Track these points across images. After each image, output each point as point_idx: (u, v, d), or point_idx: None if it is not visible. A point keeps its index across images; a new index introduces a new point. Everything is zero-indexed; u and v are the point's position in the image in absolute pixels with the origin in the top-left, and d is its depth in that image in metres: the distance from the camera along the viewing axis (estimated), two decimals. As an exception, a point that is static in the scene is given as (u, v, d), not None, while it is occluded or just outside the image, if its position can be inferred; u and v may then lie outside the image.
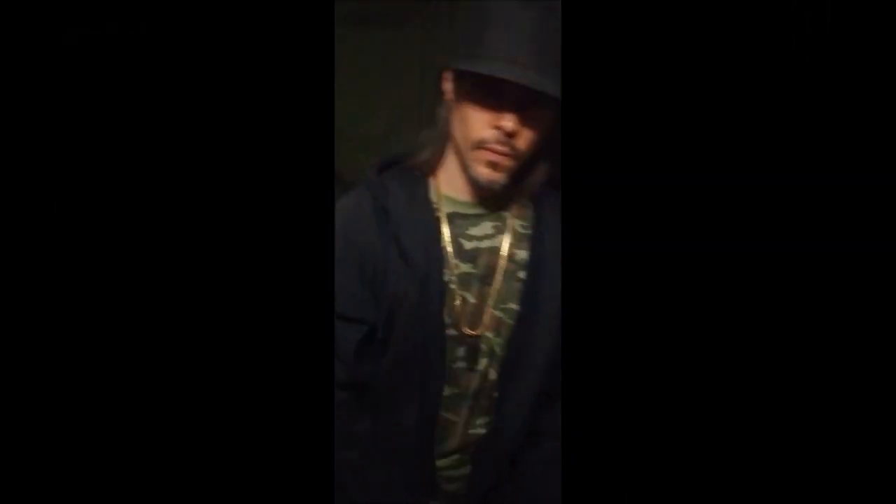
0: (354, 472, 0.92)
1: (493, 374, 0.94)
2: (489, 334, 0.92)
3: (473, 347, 0.92)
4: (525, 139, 0.86)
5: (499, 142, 0.85)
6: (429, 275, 0.90)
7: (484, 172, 0.88)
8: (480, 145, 0.87)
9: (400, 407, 0.92)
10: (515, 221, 0.94)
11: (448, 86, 0.90)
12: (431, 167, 0.94)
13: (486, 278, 0.92)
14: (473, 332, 0.91)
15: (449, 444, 0.95)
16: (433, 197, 0.93)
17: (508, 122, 0.83)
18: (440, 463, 0.95)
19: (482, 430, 0.95)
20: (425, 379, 0.91)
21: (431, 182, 0.94)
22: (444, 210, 0.93)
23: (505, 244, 0.93)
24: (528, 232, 0.94)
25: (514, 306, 0.92)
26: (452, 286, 0.91)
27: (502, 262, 0.92)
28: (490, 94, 0.84)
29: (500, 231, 0.94)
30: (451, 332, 0.91)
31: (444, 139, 0.92)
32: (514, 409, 0.93)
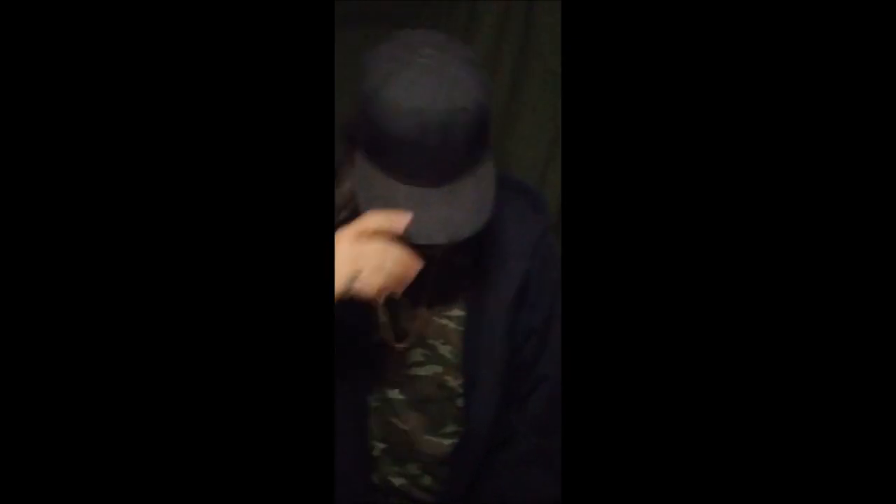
0: None
1: (451, 382, 0.90)
2: (434, 342, 0.90)
3: (423, 353, 0.90)
4: None
5: None
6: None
7: None
8: None
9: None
10: None
11: None
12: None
13: (421, 283, 0.85)
14: (401, 345, 0.88)
15: (399, 453, 0.92)
16: None
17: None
18: (396, 480, 0.93)
19: (445, 441, 0.91)
20: (358, 381, 0.89)
21: None
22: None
23: None
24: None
25: (459, 312, 0.90)
26: None
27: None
28: None
29: None
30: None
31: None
32: (480, 416, 0.90)
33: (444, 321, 0.90)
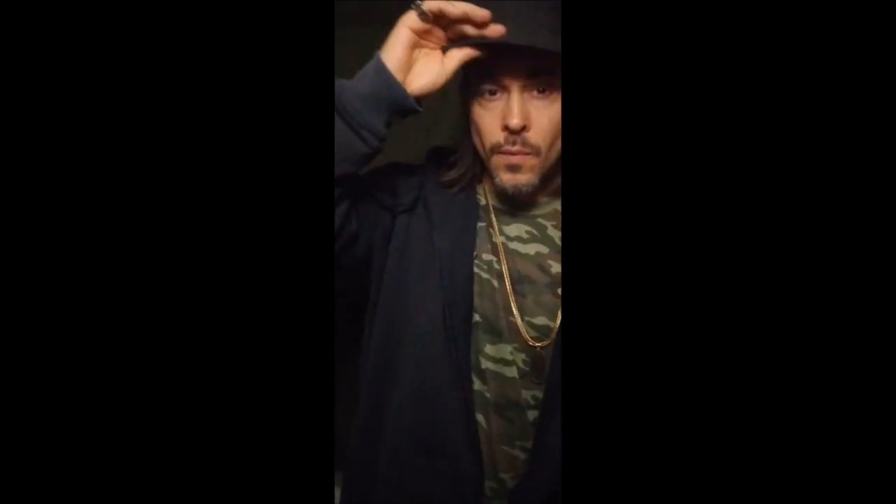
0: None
1: (525, 394, 0.88)
2: (509, 346, 0.89)
3: (502, 349, 0.89)
4: (538, 132, 0.84)
5: (511, 142, 0.84)
6: (455, 257, 0.88)
7: (506, 178, 0.86)
8: (495, 150, 0.85)
9: (432, 398, 0.88)
10: (557, 233, 0.90)
11: (461, 94, 0.90)
12: (470, 181, 0.93)
13: (513, 282, 0.89)
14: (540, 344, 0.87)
15: (483, 460, 0.88)
16: (480, 196, 0.93)
17: (513, 118, 0.82)
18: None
19: (519, 454, 0.88)
20: (454, 369, 0.87)
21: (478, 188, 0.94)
22: (487, 201, 0.93)
23: (532, 251, 0.90)
24: None
25: (543, 321, 0.89)
26: (484, 275, 0.89)
27: (533, 271, 0.89)
28: (490, 90, 0.84)
29: (535, 238, 0.91)
30: (477, 319, 0.88)
31: (471, 152, 0.91)
32: (553, 445, 0.85)
33: (525, 327, 0.89)
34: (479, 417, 0.88)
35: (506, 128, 0.83)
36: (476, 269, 0.89)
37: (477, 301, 0.88)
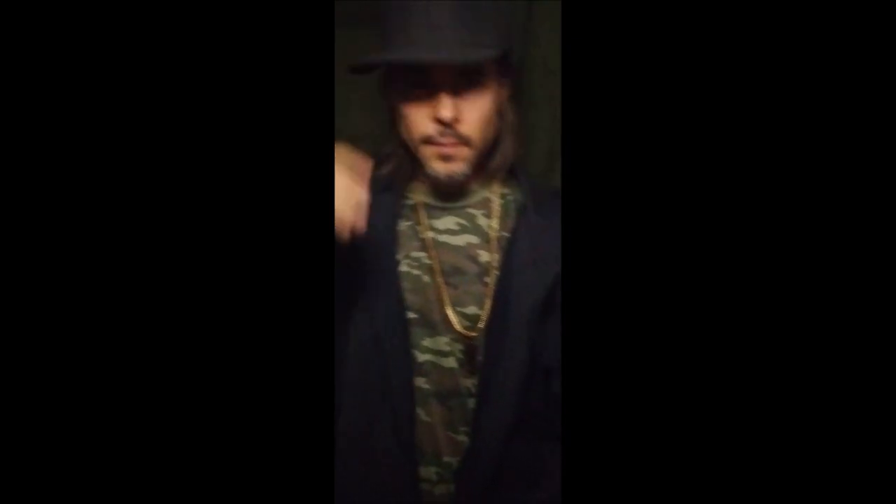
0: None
1: (465, 382, 0.89)
2: (445, 338, 0.89)
3: (438, 341, 0.90)
4: (470, 124, 0.85)
5: (442, 134, 0.84)
6: (381, 252, 0.88)
7: (438, 167, 0.87)
8: (426, 141, 0.86)
9: (370, 397, 0.89)
10: (486, 221, 0.91)
11: (384, 89, 0.90)
12: (404, 175, 0.92)
13: (445, 275, 0.90)
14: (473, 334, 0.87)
15: (425, 448, 0.89)
16: (408, 190, 0.93)
17: (444, 110, 0.83)
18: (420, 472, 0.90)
19: (464, 438, 0.89)
20: (390, 366, 0.88)
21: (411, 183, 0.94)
22: (415, 199, 0.93)
23: (463, 242, 0.91)
24: (500, 234, 0.91)
25: (473, 310, 0.89)
26: (415, 272, 0.89)
27: (464, 262, 0.90)
28: (418, 85, 0.83)
29: (465, 229, 0.91)
30: (412, 315, 0.89)
31: (402, 145, 0.91)
32: (490, 427, 0.87)
33: (455, 316, 0.89)
34: (420, 411, 0.89)
35: (437, 120, 0.84)
36: (406, 268, 0.90)
37: (410, 298, 0.89)
